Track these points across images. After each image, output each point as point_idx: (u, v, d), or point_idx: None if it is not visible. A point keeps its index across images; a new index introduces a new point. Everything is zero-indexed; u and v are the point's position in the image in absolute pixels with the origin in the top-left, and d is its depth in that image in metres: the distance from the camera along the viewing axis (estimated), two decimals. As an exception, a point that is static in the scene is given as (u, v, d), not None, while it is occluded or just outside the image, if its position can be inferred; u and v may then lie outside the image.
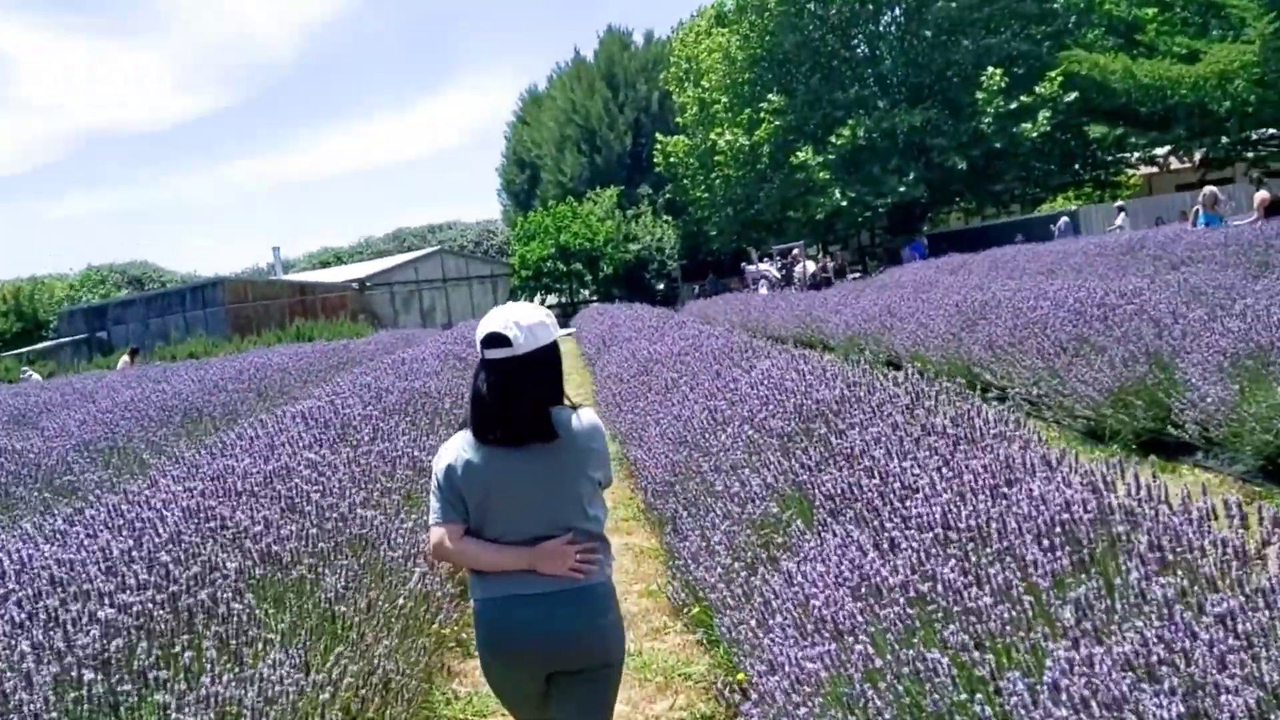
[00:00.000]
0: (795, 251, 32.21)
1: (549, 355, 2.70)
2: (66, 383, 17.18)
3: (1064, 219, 31.12)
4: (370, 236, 62.81)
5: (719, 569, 3.85)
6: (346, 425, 6.06)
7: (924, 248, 35.17)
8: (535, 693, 2.75)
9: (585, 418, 2.72)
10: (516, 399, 2.62)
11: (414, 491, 5.46)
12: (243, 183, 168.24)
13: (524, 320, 2.66)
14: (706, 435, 5.15)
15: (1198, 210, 17.55)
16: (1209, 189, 17.99)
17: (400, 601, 3.83)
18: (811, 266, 30.64)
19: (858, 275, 32.18)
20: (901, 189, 34.83)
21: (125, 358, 30.65)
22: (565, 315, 36.80)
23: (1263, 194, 16.87)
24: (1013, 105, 32.15)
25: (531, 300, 43.81)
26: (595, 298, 42.67)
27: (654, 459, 5.75)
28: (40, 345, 43.58)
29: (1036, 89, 31.95)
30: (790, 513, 3.73)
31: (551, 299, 45.63)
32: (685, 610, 4.62)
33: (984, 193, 38.07)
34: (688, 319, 15.00)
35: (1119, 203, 31.12)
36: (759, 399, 5.18)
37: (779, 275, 30.74)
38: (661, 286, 44.05)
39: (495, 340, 2.63)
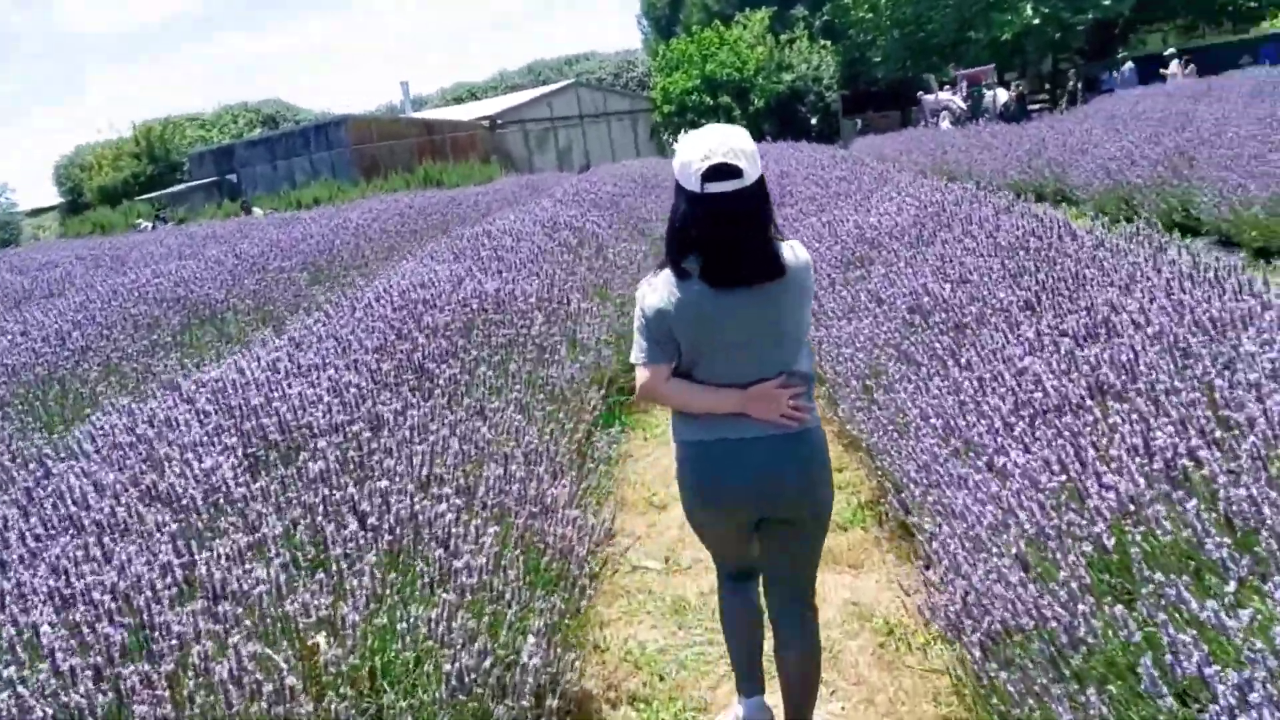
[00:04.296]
0: (982, 79, 27.32)
1: (764, 183, 2.45)
2: (114, 245, 14.68)
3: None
4: (505, 70, 59.54)
5: None
6: (295, 425, 2.86)
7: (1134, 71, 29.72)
8: (740, 537, 2.71)
9: (799, 251, 2.51)
10: (750, 237, 2.41)
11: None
12: (377, 19, 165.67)
13: (744, 145, 2.39)
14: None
15: None
16: None
17: None
18: (1004, 95, 25.90)
19: (1037, 108, 27.26)
20: (1106, 2, 29.51)
21: (241, 213, 28.76)
22: (711, 155, 32.90)
23: None
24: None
25: (676, 139, 40.05)
26: (744, 135, 38.56)
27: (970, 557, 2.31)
28: (171, 189, 42.55)
29: None
30: None
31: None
32: None
33: (1202, 6, 31.96)
34: (886, 168, 11.23)
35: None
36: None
37: (964, 106, 25.98)
38: (815, 121, 39.23)
39: (723, 172, 2.34)
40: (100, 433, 3.15)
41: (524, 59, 68.24)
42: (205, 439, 2.90)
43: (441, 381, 3.94)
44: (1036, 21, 30.10)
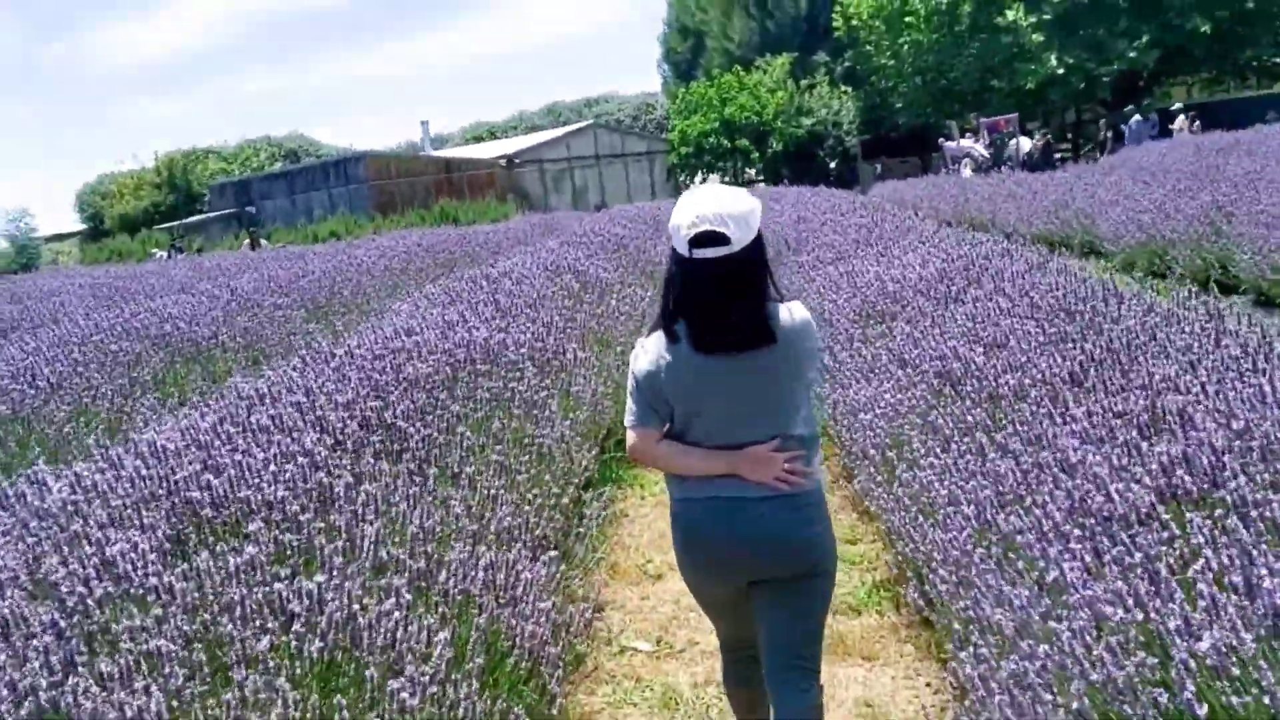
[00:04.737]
0: (1005, 127, 27.01)
1: (761, 245, 2.37)
2: (118, 275, 14.42)
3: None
4: (525, 111, 59.95)
5: None
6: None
7: (1155, 124, 29.33)
8: (734, 602, 2.57)
9: (797, 313, 2.42)
10: (738, 303, 2.33)
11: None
12: (400, 59, 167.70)
13: (735, 209, 2.31)
14: None
15: None
16: None
17: None
18: (1027, 144, 25.57)
19: (1060, 157, 26.99)
20: (1131, 54, 29.17)
21: (246, 243, 28.62)
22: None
23: None
24: (1272, -50, 25.95)
25: (693, 181, 39.80)
26: (762, 178, 38.34)
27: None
28: (190, 219, 42.68)
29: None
30: None
31: (713, 179, 41.17)
32: None
33: (1227, 62, 31.63)
34: (908, 215, 10.87)
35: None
36: None
37: (987, 154, 25.66)
38: (834, 165, 38.95)
39: (709, 239, 2.28)
40: (12, 500, 2.77)
41: (544, 100, 68.56)
42: (127, 513, 2.51)
43: (414, 444, 3.55)
44: (1061, 71, 29.79)
